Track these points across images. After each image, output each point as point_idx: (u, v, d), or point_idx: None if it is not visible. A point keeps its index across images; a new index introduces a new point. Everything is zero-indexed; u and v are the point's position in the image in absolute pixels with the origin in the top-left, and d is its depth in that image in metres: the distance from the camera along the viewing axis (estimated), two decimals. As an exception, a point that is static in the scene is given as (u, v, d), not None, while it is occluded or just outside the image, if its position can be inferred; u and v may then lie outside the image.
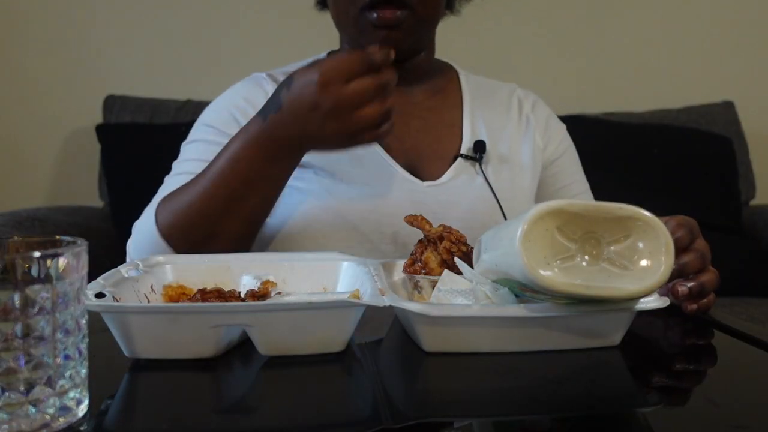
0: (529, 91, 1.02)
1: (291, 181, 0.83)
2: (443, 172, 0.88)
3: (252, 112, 0.75)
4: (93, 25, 1.92)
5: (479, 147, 0.89)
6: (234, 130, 0.75)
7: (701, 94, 2.00)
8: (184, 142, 0.91)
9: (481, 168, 0.88)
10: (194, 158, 0.85)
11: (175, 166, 0.88)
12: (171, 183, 0.83)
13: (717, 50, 2.11)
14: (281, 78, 0.86)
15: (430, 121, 0.92)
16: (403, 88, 0.91)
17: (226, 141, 0.74)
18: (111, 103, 1.82)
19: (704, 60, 2.11)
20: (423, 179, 0.87)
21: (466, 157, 0.89)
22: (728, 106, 1.98)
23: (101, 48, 1.93)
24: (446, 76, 0.98)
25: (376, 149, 0.87)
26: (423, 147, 0.90)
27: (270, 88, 0.89)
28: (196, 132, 0.90)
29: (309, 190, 0.84)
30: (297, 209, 0.83)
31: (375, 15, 0.81)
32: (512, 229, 0.46)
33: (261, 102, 0.74)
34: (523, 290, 0.50)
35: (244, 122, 0.75)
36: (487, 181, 0.87)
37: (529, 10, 2.01)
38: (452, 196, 0.86)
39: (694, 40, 2.11)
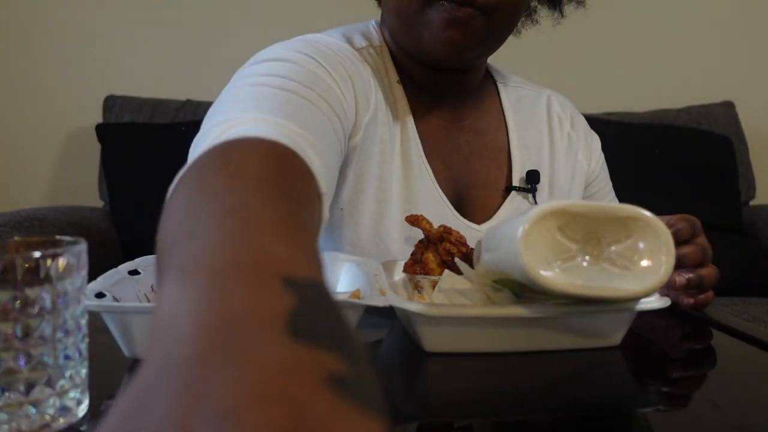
0: (562, 97, 0.93)
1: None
2: (494, 206, 0.80)
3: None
4: (93, 25, 1.92)
5: (533, 177, 0.81)
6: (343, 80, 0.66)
7: (701, 94, 2.00)
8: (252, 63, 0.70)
9: (535, 200, 0.81)
10: (287, 76, 0.63)
11: (253, 75, 0.65)
12: (249, 93, 0.59)
13: (717, 50, 2.11)
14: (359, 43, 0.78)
15: (476, 145, 0.82)
16: (454, 105, 0.81)
17: (331, 83, 0.64)
18: (111, 103, 1.82)
19: (704, 60, 2.11)
20: (472, 213, 0.79)
21: (518, 189, 0.81)
22: (728, 106, 1.98)
23: (101, 48, 1.93)
24: (486, 87, 0.87)
25: (429, 181, 0.77)
26: (472, 176, 0.80)
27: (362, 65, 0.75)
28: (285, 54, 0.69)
29: (360, 222, 0.74)
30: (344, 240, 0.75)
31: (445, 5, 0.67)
32: (513, 230, 0.46)
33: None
34: (524, 290, 0.50)
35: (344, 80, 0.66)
36: None
37: (529, 10, 2.01)
38: None
39: (694, 40, 2.11)
